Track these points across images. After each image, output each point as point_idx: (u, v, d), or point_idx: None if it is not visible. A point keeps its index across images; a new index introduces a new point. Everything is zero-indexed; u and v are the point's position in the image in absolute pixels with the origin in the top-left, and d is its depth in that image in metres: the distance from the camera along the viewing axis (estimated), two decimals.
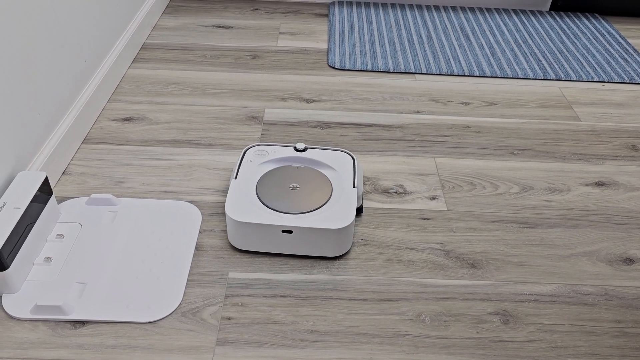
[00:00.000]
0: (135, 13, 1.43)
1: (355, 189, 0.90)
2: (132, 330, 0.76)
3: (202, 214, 0.95)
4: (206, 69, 1.38)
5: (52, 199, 0.88)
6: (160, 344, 0.74)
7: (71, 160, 1.06)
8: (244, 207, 0.87)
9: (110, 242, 0.87)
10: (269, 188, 0.91)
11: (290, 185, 0.91)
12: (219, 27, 1.59)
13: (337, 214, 0.86)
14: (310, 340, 0.76)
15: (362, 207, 0.96)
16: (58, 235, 0.88)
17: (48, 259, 0.83)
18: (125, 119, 1.18)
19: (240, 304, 0.80)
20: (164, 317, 0.77)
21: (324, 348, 0.75)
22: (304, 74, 1.38)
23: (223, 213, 0.95)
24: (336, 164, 0.95)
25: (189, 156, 1.08)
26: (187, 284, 0.82)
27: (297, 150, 0.96)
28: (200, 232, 0.92)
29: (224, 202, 0.98)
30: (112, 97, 1.25)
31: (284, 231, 0.84)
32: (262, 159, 0.96)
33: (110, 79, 1.24)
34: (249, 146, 0.99)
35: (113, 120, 1.18)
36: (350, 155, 0.97)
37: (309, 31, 1.60)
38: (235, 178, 0.92)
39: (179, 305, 0.79)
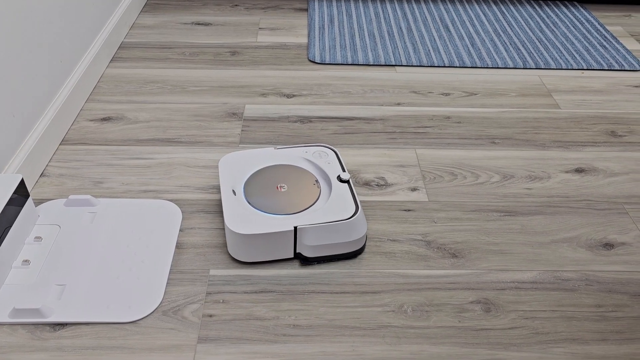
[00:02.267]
0: (112, 12, 1.42)
1: (295, 229, 0.81)
2: (113, 331, 0.75)
3: (182, 212, 0.95)
4: (185, 67, 1.37)
5: (29, 202, 0.87)
6: (141, 343, 0.74)
7: (49, 162, 1.04)
8: (234, 163, 0.94)
9: (90, 243, 0.86)
10: (265, 173, 0.91)
11: (281, 185, 0.89)
12: (198, 24, 1.58)
13: (258, 223, 0.82)
14: (292, 335, 0.76)
15: (313, 259, 0.85)
16: (36, 237, 0.87)
17: (26, 261, 0.83)
18: (104, 119, 1.17)
19: (221, 300, 0.80)
20: (145, 317, 0.77)
21: (306, 342, 0.75)
22: (284, 69, 1.38)
23: (203, 211, 0.95)
24: (335, 206, 0.85)
25: (169, 154, 1.07)
26: (167, 283, 0.82)
27: (340, 180, 0.90)
28: (180, 230, 0.91)
29: (204, 200, 0.97)
30: (90, 97, 1.24)
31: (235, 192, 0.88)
32: (312, 158, 0.94)
33: (87, 79, 1.23)
34: (322, 144, 0.98)
35: (91, 120, 1.16)
36: (354, 212, 0.84)
37: (289, 26, 1.59)
38: (275, 148, 0.96)
39: (159, 304, 0.79)
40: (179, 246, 0.88)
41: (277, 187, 0.89)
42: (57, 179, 1.00)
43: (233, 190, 0.88)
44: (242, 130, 1.15)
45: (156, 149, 1.09)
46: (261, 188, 0.89)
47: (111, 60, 1.38)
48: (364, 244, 0.88)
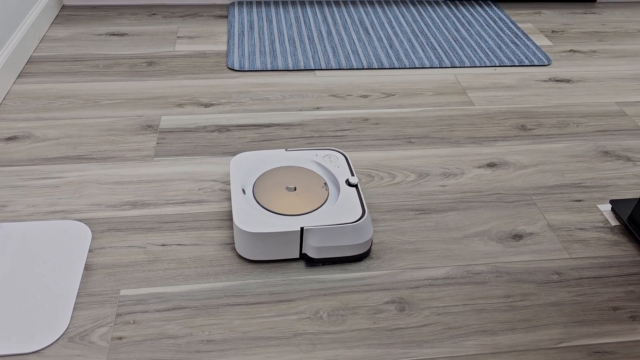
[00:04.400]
0: (18, 24, 1.35)
1: (301, 230, 0.83)
2: None
3: (92, 231, 0.91)
4: (99, 80, 1.32)
5: None
6: None
7: None
8: (245, 163, 0.95)
9: None
10: (274, 174, 0.92)
11: (290, 186, 0.90)
12: (113, 34, 1.53)
13: (266, 222, 0.84)
14: (205, 351, 0.74)
15: (319, 261, 0.86)
16: None
17: None
18: (9, 139, 1.11)
19: (132, 321, 0.77)
20: (49, 345, 0.73)
21: (219, 357, 0.73)
22: (202, 77, 1.36)
23: (115, 229, 0.92)
24: (342, 209, 0.86)
25: (79, 172, 1.03)
26: (75, 307, 0.79)
27: (348, 184, 0.91)
28: (90, 250, 0.88)
29: (116, 217, 0.94)
30: None
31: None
32: (322, 161, 0.93)
33: None
34: (333, 148, 0.97)
35: None
36: (361, 216, 0.85)
37: (208, 34, 1.57)
38: (286, 150, 0.97)
39: (65, 331, 0.75)
40: (88, 267, 0.85)
41: (285, 187, 0.90)
42: None
43: (243, 190, 0.90)
44: (157, 143, 1.12)
45: (66, 167, 1.05)
46: (270, 188, 0.90)
47: (18, 75, 1.32)
48: (370, 248, 0.89)
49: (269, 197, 0.89)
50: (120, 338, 0.75)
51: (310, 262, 0.87)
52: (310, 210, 0.87)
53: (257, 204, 0.88)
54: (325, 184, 0.91)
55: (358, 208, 0.87)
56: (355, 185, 0.90)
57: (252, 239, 0.83)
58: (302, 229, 0.83)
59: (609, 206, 1.02)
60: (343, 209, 0.87)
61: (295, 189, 0.90)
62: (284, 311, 0.80)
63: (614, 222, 0.98)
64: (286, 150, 0.98)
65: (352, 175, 0.92)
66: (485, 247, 0.92)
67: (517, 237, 0.95)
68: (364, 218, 0.85)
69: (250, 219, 0.84)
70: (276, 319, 0.79)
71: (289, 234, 0.83)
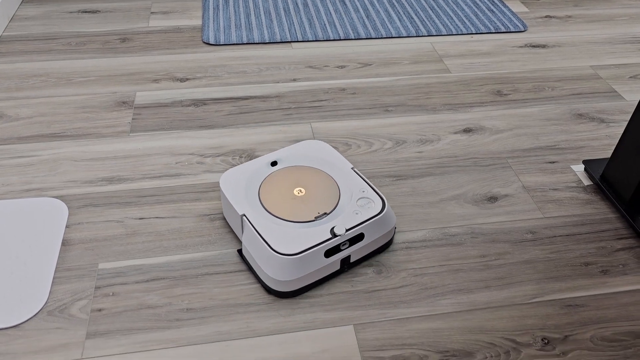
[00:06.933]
0: None
1: (241, 217, 0.80)
2: None
3: (69, 207, 0.91)
4: (71, 57, 1.30)
5: None
6: (25, 347, 0.71)
7: None
8: (314, 150, 0.92)
9: None
10: (308, 172, 0.88)
11: (301, 189, 0.85)
12: (85, 12, 1.51)
13: (233, 190, 0.84)
14: (185, 319, 0.75)
15: (242, 255, 0.83)
16: None
17: None
18: None
19: (111, 293, 0.78)
20: (28, 319, 0.74)
21: (199, 324, 0.74)
22: (177, 53, 1.34)
23: (92, 204, 0.92)
24: (288, 237, 0.77)
25: (54, 150, 1.03)
26: (53, 282, 0.79)
27: (331, 231, 0.78)
28: (67, 226, 0.88)
29: (92, 193, 0.94)
30: None
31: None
32: (356, 199, 0.83)
33: None
34: (383, 197, 0.84)
35: None
36: (281, 252, 0.76)
37: (183, 8, 1.55)
38: (352, 167, 0.89)
39: (44, 305, 0.76)
40: (65, 243, 0.85)
41: (297, 188, 0.85)
42: None
43: (275, 162, 0.90)
44: (132, 119, 1.11)
45: (40, 145, 1.04)
46: (287, 177, 0.87)
47: None
48: (284, 293, 0.78)
49: (274, 183, 0.86)
50: (99, 310, 0.75)
51: (240, 252, 0.84)
52: (275, 215, 0.81)
53: (259, 181, 0.86)
54: (325, 214, 0.81)
55: (297, 248, 0.75)
56: (334, 235, 0.77)
57: (221, 194, 0.86)
58: (242, 215, 0.80)
59: (582, 166, 1.03)
60: (287, 238, 0.77)
61: (302, 194, 0.84)
62: None
63: (586, 182, 1.00)
64: (352, 167, 0.89)
65: (347, 230, 0.78)
66: (461, 209, 0.94)
67: (492, 199, 0.96)
68: (282, 257, 0.75)
69: (230, 179, 0.85)
70: (255, 285, 0.80)
71: (233, 209, 0.82)
